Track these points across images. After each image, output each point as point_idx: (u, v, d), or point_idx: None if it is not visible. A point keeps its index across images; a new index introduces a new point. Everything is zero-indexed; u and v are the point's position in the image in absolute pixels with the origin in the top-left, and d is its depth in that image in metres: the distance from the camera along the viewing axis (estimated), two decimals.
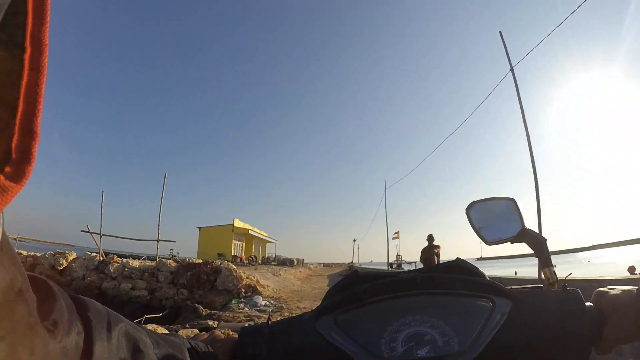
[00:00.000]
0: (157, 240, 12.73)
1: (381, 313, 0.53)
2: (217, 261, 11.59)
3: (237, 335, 0.54)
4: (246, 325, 0.56)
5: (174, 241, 11.81)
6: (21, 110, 0.16)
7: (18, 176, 0.16)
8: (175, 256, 32.13)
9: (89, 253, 13.68)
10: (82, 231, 14.84)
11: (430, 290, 0.54)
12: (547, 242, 0.68)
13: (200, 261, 12.13)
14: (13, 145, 0.16)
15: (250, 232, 34.10)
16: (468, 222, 0.77)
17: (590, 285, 2.95)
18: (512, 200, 0.76)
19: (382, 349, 0.48)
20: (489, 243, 0.75)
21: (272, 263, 37.00)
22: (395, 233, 38.02)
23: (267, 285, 12.70)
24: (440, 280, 0.55)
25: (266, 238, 43.90)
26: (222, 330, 0.62)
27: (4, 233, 0.19)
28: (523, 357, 0.47)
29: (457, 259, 0.59)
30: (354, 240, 63.05)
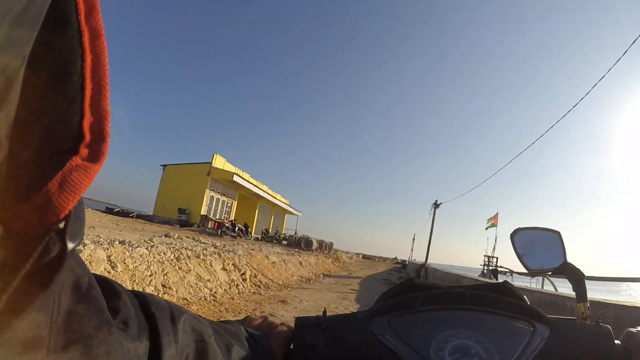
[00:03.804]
0: None
1: (431, 322, 0.57)
2: None
3: (290, 325, 0.57)
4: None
5: None
6: (89, 92, 0.17)
7: (96, 156, 0.17)
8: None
9: None
10: None
11: (477, 307, 0.59)
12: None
13: None
14: (85, 126, 0.16)
15: (236, 178, 19.73)
16: (512, 246, 0.80)
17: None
18: (558, 232, 0.79)
19: (431, 356, 0.51)
20: (530, 270, 0.77)
21: (283, 242, 23.78)
22: (490, 219, 19.69)
23: None
24: (487, 299, 0.59)
25: (282, 205, 30.45)
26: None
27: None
28: None
29: (505, 281, 0.63)
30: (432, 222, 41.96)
